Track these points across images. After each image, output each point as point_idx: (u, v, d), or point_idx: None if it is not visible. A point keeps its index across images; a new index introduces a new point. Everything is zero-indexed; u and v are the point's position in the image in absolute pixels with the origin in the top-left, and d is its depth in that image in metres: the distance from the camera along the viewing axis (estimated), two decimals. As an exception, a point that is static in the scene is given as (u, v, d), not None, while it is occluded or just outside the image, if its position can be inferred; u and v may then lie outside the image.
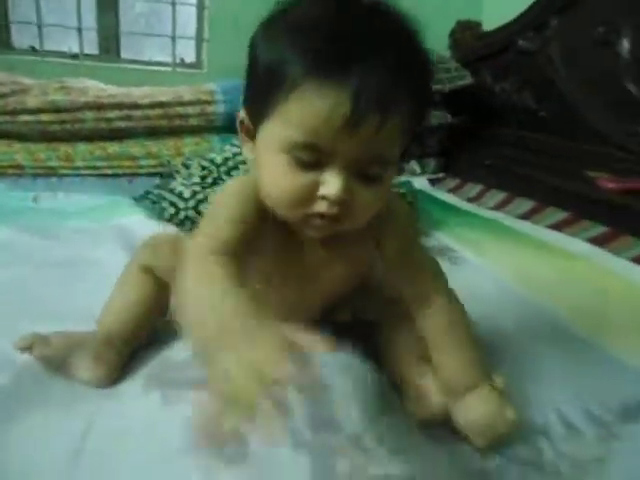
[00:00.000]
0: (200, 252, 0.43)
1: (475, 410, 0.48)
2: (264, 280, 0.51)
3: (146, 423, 0.48)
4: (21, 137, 1.44)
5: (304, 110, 0.38)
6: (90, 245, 0.91)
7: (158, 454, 0.44)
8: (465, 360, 0.50)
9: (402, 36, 0.41)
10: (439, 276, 0.54)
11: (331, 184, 0.40)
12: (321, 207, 0.41)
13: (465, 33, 1.91)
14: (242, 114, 0.47)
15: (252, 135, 0.46)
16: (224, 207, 0.47)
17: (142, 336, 0.59)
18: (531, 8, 1.53)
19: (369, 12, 0.40)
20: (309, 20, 0.39)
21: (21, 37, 1.72)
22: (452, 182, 1.72)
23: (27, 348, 0.50)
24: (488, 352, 0.59)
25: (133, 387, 0.53)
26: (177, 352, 0.59)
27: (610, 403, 0.56)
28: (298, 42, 0.39)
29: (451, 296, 0.53)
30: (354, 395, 0.55)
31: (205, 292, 0.40)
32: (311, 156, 0.40)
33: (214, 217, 0.48)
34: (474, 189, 1.60)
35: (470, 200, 1.52)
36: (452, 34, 1.95)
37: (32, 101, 1.42)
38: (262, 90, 0.42)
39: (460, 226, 1.21)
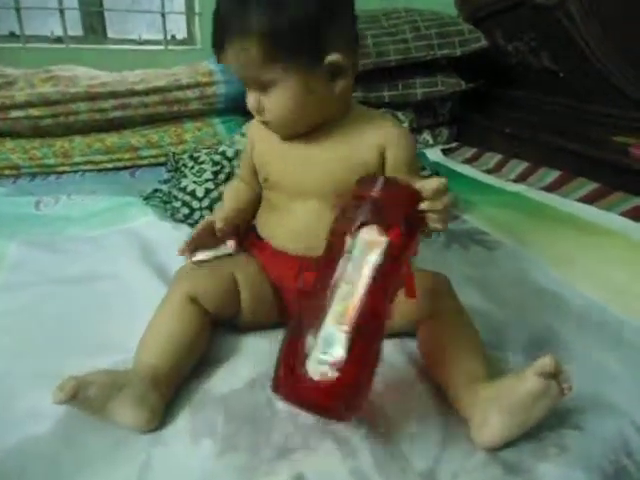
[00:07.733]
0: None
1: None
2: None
3: (201, 476, 0.44)
4: (13, 135, 1.36)
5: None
6: (104, 257, 0.85)
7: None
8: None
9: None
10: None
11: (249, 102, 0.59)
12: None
13: (473, -11, 1.79)
14: None
15: None
16: None
17: (186, 373, 0.55)
18: (548, -41, 1.42)
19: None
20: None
21: (-1, 23, 1.61)
22: (468, 152, 1.64)
23: (71, 397, 0.44)
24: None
25: (180, 433, 0.49)
26: (217, 383, 0.55)
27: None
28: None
29: None
30: (417, 427, 0.50)
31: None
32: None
33: None
34: (492, 159, 1.53)
35: (489, 172, 1.46)
36: (459, -10, 1.83)
37: (20, 95, 1.32)
38: None
39: (488, 206, 1.15)
